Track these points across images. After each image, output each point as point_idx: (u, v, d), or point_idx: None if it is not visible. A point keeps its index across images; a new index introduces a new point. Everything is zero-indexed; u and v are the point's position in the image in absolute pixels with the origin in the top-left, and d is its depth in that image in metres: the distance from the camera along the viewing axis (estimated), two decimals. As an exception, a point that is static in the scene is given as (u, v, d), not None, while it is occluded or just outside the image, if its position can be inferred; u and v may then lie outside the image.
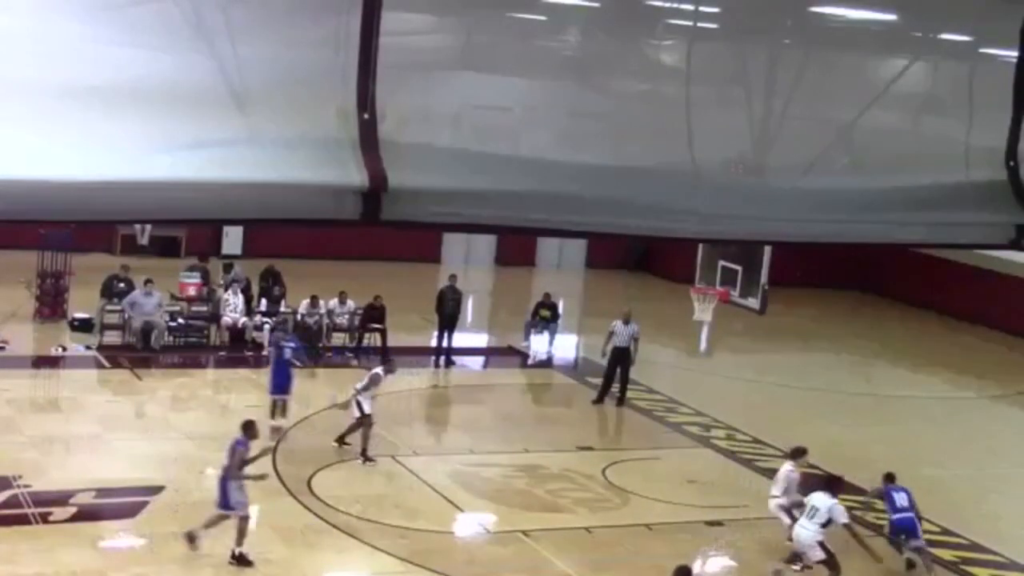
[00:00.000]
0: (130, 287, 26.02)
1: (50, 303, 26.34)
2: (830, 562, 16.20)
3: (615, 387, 24.48)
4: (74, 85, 3.77)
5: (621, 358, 24.29)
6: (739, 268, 25.50)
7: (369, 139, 4.06)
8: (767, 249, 23.03)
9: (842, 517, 16.27)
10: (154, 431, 20.56)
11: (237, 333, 26.03)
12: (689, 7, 4.74)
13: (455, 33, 4.51)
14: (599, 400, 24.51)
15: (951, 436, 25.24)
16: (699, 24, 4.74)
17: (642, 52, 4.78)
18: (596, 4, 4.92)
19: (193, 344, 25.96)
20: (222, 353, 25.72)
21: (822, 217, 5.01)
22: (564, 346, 28.82)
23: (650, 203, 4.65)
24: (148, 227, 32.08)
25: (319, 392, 22.17)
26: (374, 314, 26.55)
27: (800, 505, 16.79)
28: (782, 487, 17.37)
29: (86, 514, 16.68)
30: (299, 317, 26.39)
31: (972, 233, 5.47)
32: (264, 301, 26.99)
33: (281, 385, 20.57)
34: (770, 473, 19.13)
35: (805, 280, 35.41)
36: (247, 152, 3.95)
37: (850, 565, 16.85)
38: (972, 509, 20.30)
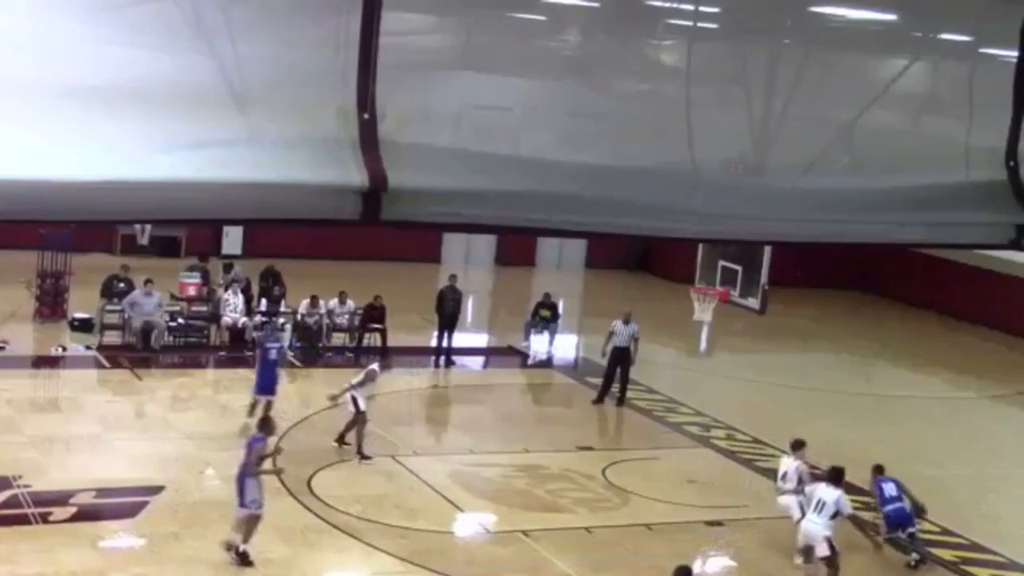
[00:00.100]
0: (130, 287, 26.02)
1: (50, 303, 26.34)
2: (832, 561, 16.22)
3: (615, 387, 24.48)
4: (74, 85, 3.77)
5: (621, 358, 24.29)
6: (739, 268, 25.49)
7: (369, 139, 4.06)
8: (767, 249, 23.02)
9: (848, 508, 16.36)
10: (154, 431, 20.56)
11: (237, 333, 26.03)
12: (689, 7, 4.74)
13: (455, 33, 4.51)
14: (599, 400, 24.51)
15: (951, 436, 25.24)
16: (699, 24, 4.74)
17: (642, 52, 4.78)
18: (596, 4, 4.92)
19: (193, 344, 25.96)
20: (222, 353, 25.72)
21: (822, 217, 5.01)
22: (564, 346, 28.83)
23: (650, 203, 4.65)
24: (148, 227, 32.07)
25: (319, 392, 22.14)
26: (374, 314, 26.56)
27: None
28: (795, 480, 17.41)
29: (86, 514, 16.68)
30: (299, 317, 26.40)
31: (972, 233, 5.46)
32: (264, 301, 27.00)
33: (267, 386, 20.51)
34: (770, 473, 19.13)
35: (805, 280, 35.40)
36: (247, 152, 3.95)
37: (851, 564, 16.87)
38: (972, 509, 20.30)
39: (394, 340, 26.50)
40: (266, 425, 16.25)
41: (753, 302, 25.35)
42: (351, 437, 19.88)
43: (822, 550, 16.19)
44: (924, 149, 5.34)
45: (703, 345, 31.56)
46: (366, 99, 4.05)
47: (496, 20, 4.55)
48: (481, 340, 30.12)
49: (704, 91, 4.74)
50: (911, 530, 17.57)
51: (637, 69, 4.78)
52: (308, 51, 4.10)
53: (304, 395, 23.64)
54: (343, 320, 26.88)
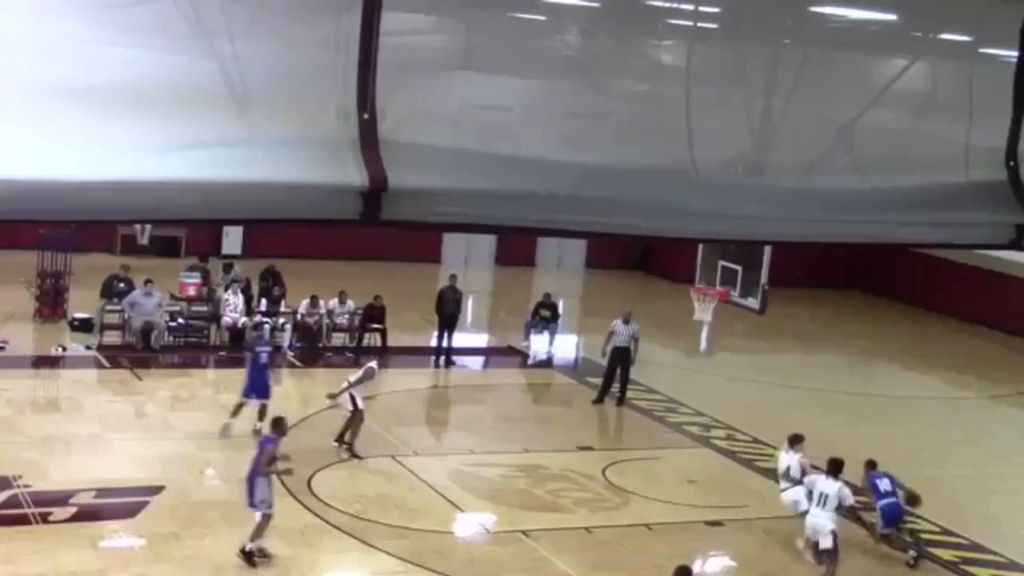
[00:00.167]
0: (130, 287, 26.02)
1: (50, 303, 26.34)
2: (834, 555, 16.29)
3: (615, 387, 24.49)
4: (74, 85, 3.77)
5: (621, 358, 24.29)
6: (739, 268, 25.48)
7: (369, 139, 4.06)
8: (767, 249, 23.01)
9: (849, 499, 16.56)
10: (154, 431, 20.56)
11: (237, 333, 26.03)
12: (689, 7, 4.74)
13: (455, 33, 4.51)
14: (599, 400, 24.51)
15: (951, 436, 25.24)
16: (699, 24, 4.74)
17: (642, 52, 4.78)
18: (596, 4, 4.92)
19: (193, 344, 25.96)
20: (222, 353, 25.71)
21: (822, 217, 5.01)
22: (564, 346, 28.82)
23: (650, 203, 4.65)
24: (148, 227, 32.06)
25: (319, 392, 22.15)
26: (374, 314, 26.56)
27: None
28: (799, 473, 17.54)
29: (86, 514, 16.68)
30: (299, 317, 26.40)
31: (972, 233, 5.46)
32: (264, 301, 27.00)
33: (258, 389, 20.44)
34: (770, 473, 19.14)
35: (805, 280, 35.40)
36: (247, 152, 3.95)
37: (852, 562, 16.89)
38: (972, 509, 20.30)
39: (394, 340, 26.51)
40: (279, 426, 16.26)
41: (753, 302, 25.34)
42: (348, 435, 19.87)
43: (827, 542, 16.29)
44: (924, 149, 5.33)
45: (703, 345, 31.56)
46: (366, 99, 4.05)
47: (496, 20, 4.55)
48: (481, 340, 30.12)
49: (704, 91, 4.74)
50: (911, 526, 17.65)
51: (637, 69, 4.78)
52: (308, 51, 4.10)
53: (304, 395, 23.64)
54: (343, 320, 26.88)
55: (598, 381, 24.84)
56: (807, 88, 4.90)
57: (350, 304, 26.92)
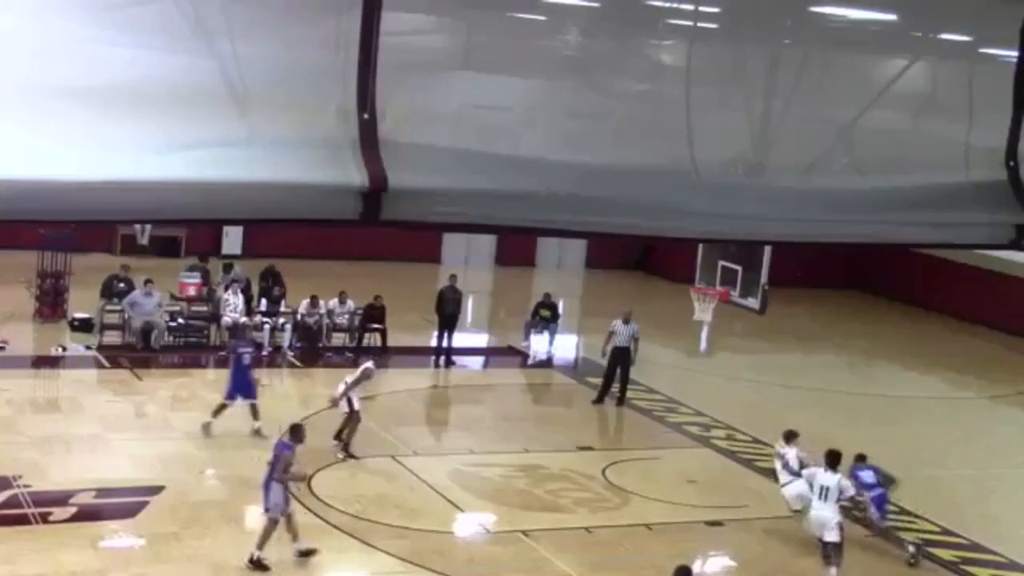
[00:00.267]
0: (130, 287, 26.02)
1: (50, 303, 26.33)
2: (839, 548, 16.37)
3: (615, 387, 24.48)
4: (74, 85, 3.77)
5: (621, 358, 24.29)
6: (739, 268, 25.47)
7: (369, 139, 4.06)
8: (767, 249, 23.01)
9: (849, 490, 16.77)
10: (154, 431, 20.56)
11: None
12: (689, 7, 4.74)
13: (455, 33, 4.51)
14: (599, 400, 24.51)
15: (951, 436, 25.23)
16: (699, 24, 4.74)
17: (642, 52, 4.78)
18: (596, 4, 4.92)
19: (193, 344, 25.95)
20: (222, 353, 25.63)
21: (822, 217, 5.01)
22: (564, 346, 28.82)
23: (650, 203, 4.65)
24: (148, 227, 32.06)
25: (319, 392, 22.15)
26: (374, 314, 26.56)
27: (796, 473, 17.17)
28: (797, 465, 17.67)
29: (86, 514, 16.68)
30: (299, 317, 26.40)
31: (972, 233, 5.47)
32: (264, 301, 26.99)
33: (243, 390, 20.42)
34: (770, 473, 19.12)
35: (805, 280, 35.40)
36: (247, 152, 3.95)
37: (852, 559, 16.89)
38: (972, 509, 20.30)
39: (394, 340, 26.51)
40: (296, 433, 16.27)
41: (753, 302, 25.32)
42: (347, 436, 19.86)
43: (833, 536, 16.36)
44: (924, 149, 5.34)
45: (703, 345, 31.55)
46: (366, 99, 4.05)
47: (496, 20, 4.55)
48: (481, 340, 30.11)
49: (704, 91, 4.74)
50: (915, 532, 17.81)
51: (637, 69, 4.78)
52: (308, 51, 4.10)
53: (304, 395, 23.66)
54: (343, 320, 26.88)
55: (598, 381, 24.84)
56: (807, 88, 4.90)
57: (350, 304, 26.92)
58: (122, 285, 26.22)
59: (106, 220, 4.36)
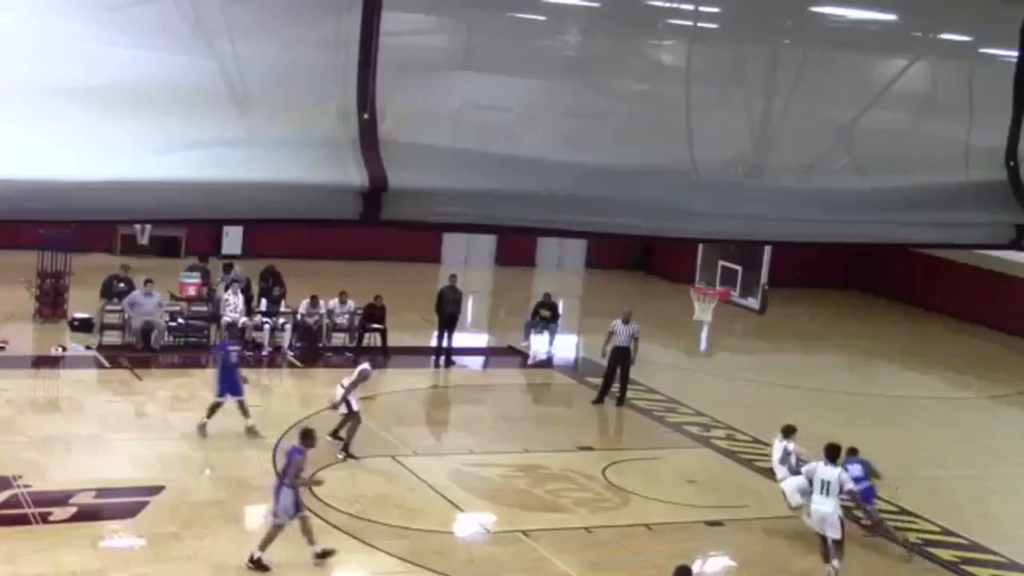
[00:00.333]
0: (130, 287, 26.02)
1: (50, 303, 26.34)
2: (840, 544, 16.43)
3: (615, 387, 24.49)
4: (74, 85, 3.77)
5: (621, 358, 24.29)
6: (739, 268, 25.48)
7: (369, 139, 4.06)
8: (767, 249, 23.02)
9: (849, 483, 16.88)
10: (154, 431, 20.56)
11: (237, 333, 26.01)
12: (689, 7, 4.74)
13: (455, 33, 4.51)
14: (599, 400, 24.51)
15: (951, 436, 25.24)
16: (699, 24, 4.74)
17: (642, 52, 4.78)
18: (596, 4, 4.92)
19: (193, 344, 25.95)
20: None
21: (822, 217, 5.00)
22: (564, 346, 28.82)
23: (650, 203, 4.65)
24: (148, 227, 32.06)
25: (318, 392, 22.16)
26: (374, 314, 26.56)
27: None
28: (795, 459, 17.89)
29: (86, 514, 16.69)
30: (299, 317, 26.40)
31: (972, 233, 5.46)
32: (264, 301, 26.99)
33: (232, 388, 20.44)
34: (770, 473, 19.14)
35: (805, 280, 35.40)
36: (247, 152, 3.95)
37: (851, 555, 16.89)
38: (972, 509, 20.30)
39: (394, 340, 26.51)
40: (308, 437, 16.29)
41: (753, 302, 25.33)
42: (344, 432, 19.85)
43: (835, 532, 16.41)
44: (924, 149, 5.33)
45: (703, 345, 31.56)
46: (366, 99, 4.05)
47: (496, 20, 4.55)
48: (481, 340, 30.12)
49: (704, 91, 4.74)
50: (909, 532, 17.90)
51: (637, 69, 4.78)
52: (308, 51, 4.10)
53: (304, 395, 23.67)
54: (343, 320, 26.88)
55: (598, 381, 24.85)
56: (807, 88, 4.90)
57: (350, 304, 26.92)
58: (122, 285, 26.22)
59: (106, 220, 4.36)
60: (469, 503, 18.59)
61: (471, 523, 18.11)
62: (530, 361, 27.76)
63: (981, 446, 24.57)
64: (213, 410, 20.17)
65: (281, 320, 26.37)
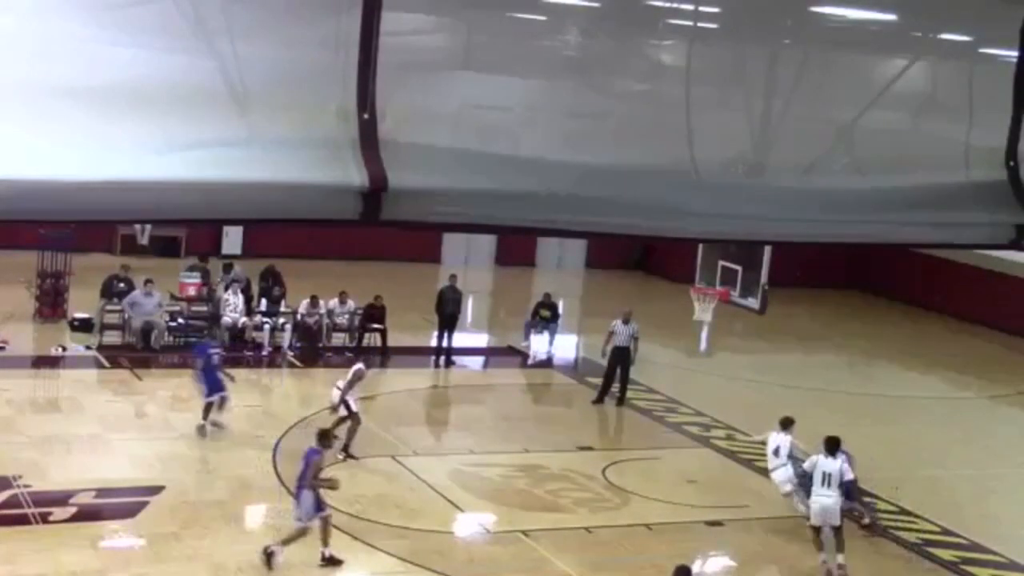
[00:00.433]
0: (130, 287, 26.02)
1: (50, 303, 26.33)
2: (839, 531, 16.50)
3: (615, 387, 24.49)
4: (74, 85, 3.77)
5: (621, 358, 24.29)
6: (739, 268, 25.46)
7: (369, 139, 4.06)
8: (767, 249, 23.01)
9: (849, 474, 16.97)
10: (154, 431, 20.56)
11: (237, 333, 26.04)
12: (689, 7, 4.74)
13: (455, 33, 4.51)
14: (599, 400, 24.51)
15: (951, 436, 25.23)
16: (699, 24, 4.74)
17: (642, 52, 4.78)
18: (596, 4, 4.92)
19: (193, 344, 25.91)
20: (222, 353, 25.69)
21: (822, 217, 5.01)
22: (564, 346, 28.81)
23: (650, 203, 4.65)
24: (148, 227, 32.05)
25: (319, 392, 22.15)
26: (374, 314, 26.55)
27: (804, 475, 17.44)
28: (787, 453, 18.03)
29: (86, 514, 16.68)
30: (299, 317, 26.40)
31: (972, 233, 5.47)
32: (264, 301, 26.99)
33: (218, 386, 20.48)
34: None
35: (805, 280, 35.40)
36: (247, 152, 3.95)
37: (853, 559, 16.89)
38: (972, 509, 20.30)
39: (394, 340, 26.50)
40: (325, 439, 16.33)
41: (753, 302, 25.32)
42: (342, 431, 19.83)
43: (836, 520, 16.52)
44: (924, 149, 5.33)
45: (703, 345, 31.55)
46: (366, 99, 4.05)
47: (496, 20, 4.55)
48: (481, 340, 30.11)
49: (704, 91, 4.74)
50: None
51: (637, 69, 4.78)
52: (308, 51, 4.10)
53: (304, 395, 23.66)
54: (343, 320, 26.88)
55: (598, 381, 24.84)
56: (807, 88, 4.90)
57: (350, 304, 26.92)
58: (122, 285, 26.21)
59: (106, 220, 4.36)
60: (469, 503, 18.59)
61: (471, 523, 18.11)
62: (530, 361, 27.76)
63: (981, 446, 24.56)
64: (207, 411, 20.19)
65: (281, 320, 26.36)
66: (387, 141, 4.09)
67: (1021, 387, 29.01)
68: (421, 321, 27.90)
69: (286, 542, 15.50)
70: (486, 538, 17.69)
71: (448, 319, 26.60)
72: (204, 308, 26.78)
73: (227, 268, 28.21)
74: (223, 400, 20.38)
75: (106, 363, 24.18)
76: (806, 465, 17.29)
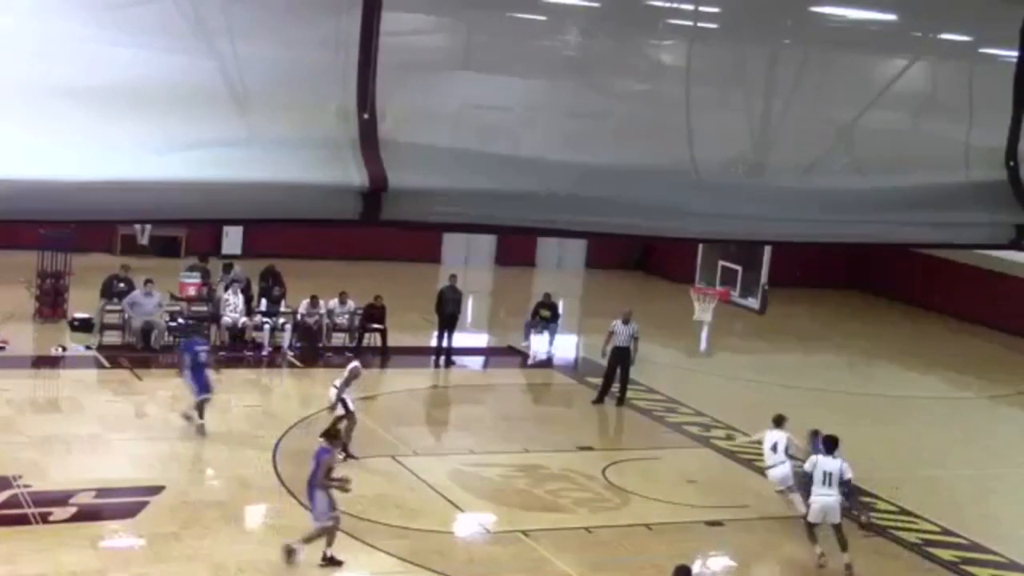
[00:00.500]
0: (130, 287, 26.01)
1: (50, 303, 26.32)
2: (840, 528, 16.55)
3: (615, 387, 24.48)
4: (74, 85, 3.78)
5: (621, 358, 24.28)
6: (739, 268, 25.46)
7: (369, 139, 4.06)
8: (767, 249, 23.01)
9: (848, 472, 16.97)
10: (154, 431, 20.55)
11: (237, 333, 26.04)
12: (689, 7, 4.74)
13: (455, 33, 4.51)
14: (599, 400, 24.50)
15: (951, 436, 25.23)
16: (699, 24, 4.74)
17: (642, 52, 4.78)
18: (596, 4, 4.92)
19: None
20: (222, 353, 25.65)
21: (822, 217, 5.01)
22: (564, 346, 28.81)
23: (650, 203, 4.65)
24: (148, 227, 32.05)
25: (319, 392, 22.14)
26: (374, 314, 26.55)
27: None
28: (784, 448, 18.12)
29: (86, 514, 16.68)
30: (299, 317, 26.40)
31: (972, 233, 5.47)
32: (264, 301, 26.99)
33: (207, 386, 20.47)
34: (770, 473, 19.13)
35: (805, 280, 35.39)
36: (247, 152, 3.95)
37: (854, 559, 16.88)
38: (972, 509, 20.30)
39: (394, 340, 26.49)
40: (334, 437, 16.32)
41: (753, 302, 25.32)
42: (344, 437, 19.82)
43: (836, 517, 16.61)
44: (924, 149, 5.34)
45: (703, 345, 31.54)
46: (366, 99, 4.05)
47: (496, 20, 4.55)
48: (481, 340, 30.11)
49: (704, 91, 4.74)
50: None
51: (637, 69, 4.78)
52: (308, 51, 4.10)
53: (304, 395, 23.65)
54: (343, 320, 26.87)
55: (598, 381, 24.84)
56: (807, 88, 4.90)
57: (350, 304, 26.91)
58: (122, 285, 26.21)
59: (106, 220, 4.36)
60: (469, 503, 18.59)
61: (471, 523, 18.10)
62: (530, 361, 27.75)
63: (981, 446, 24.56)
64: (201, 410, 20.18)
65: (281, 320, 26.36)
66: (387, 141, 4.09)
67: (1021, 387, 29.00)
68: (421, 321, 27.90)
69: (307, 540, 15.53)
70: (486, 538, 17.69)
71: (448, 319, 26.59)
72: (204, 308, 26.77)
73: (227, 268, 28.21)
74: (205, 402, 20.33)
75: (106, 363, 24.17)
76: (806, 465, 17.30)
